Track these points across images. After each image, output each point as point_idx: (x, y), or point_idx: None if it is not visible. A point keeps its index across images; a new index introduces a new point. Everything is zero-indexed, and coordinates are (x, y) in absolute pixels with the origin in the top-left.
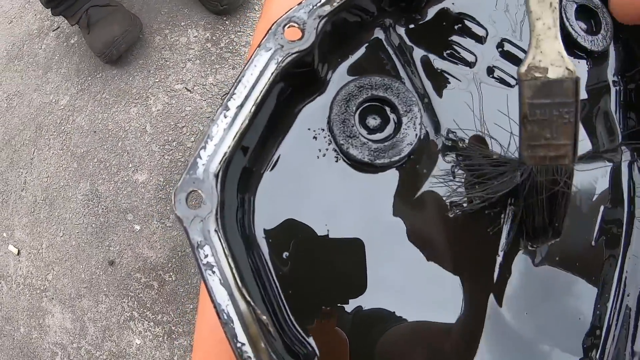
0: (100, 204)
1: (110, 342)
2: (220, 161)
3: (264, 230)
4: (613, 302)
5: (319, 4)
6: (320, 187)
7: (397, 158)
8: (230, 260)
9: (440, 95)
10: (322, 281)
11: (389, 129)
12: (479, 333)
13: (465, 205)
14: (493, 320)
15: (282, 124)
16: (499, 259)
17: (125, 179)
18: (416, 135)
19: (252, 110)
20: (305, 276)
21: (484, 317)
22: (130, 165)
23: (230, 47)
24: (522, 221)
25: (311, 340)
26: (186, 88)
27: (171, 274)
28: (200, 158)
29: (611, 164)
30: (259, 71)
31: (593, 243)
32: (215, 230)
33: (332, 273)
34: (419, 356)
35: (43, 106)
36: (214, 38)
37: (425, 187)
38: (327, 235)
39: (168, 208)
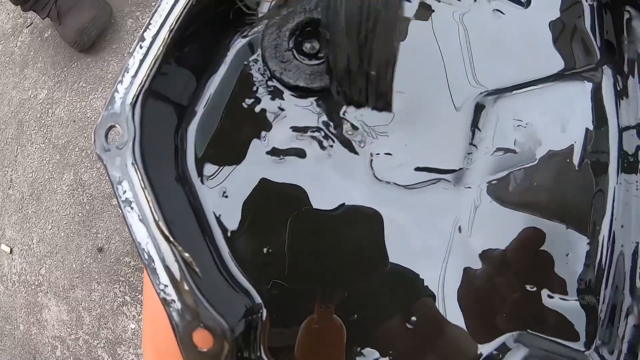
0: (85, 192)
1: (106, 329)
2: (137, 92)
3: (200, 166)
4: (607, 237)
5: None
6: (259, 119)
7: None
8: (148, 193)
9: None
10: (262, 221)
11: None
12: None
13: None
14: (460, 250)
15: (214, 58)
16: (470, 190)
17: None
18: None
19: (168, 38)
20: (245, 215)
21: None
22: None
23: None
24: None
25: (254, 291)
26: None
27: None
28: (118, 92)
29: (591, 83)
30: None
31: (576, 168)
32: (133, 163)
33: (276, 205)
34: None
35: (22, 103)
36: None
37: None
38: (273, 170)
39: None
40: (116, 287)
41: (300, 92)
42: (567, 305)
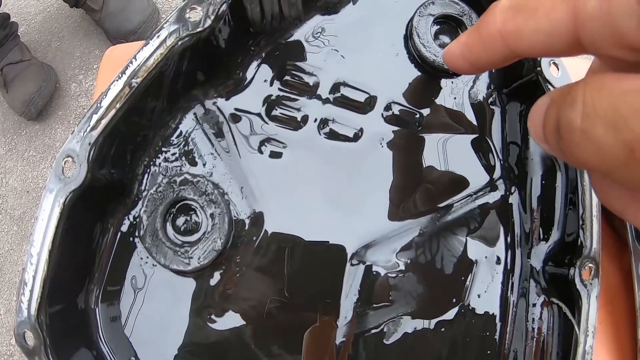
0: None
1: None
2: (36, 307)
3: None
4: None
5: (87, 129)
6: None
7: (207, 261)
8: None
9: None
10: None
11: (205, 225)
12: None
13: None
14: None
15: (96, 253)
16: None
17: None
18: (227, 227)
19: (49, 261)
20: None
21: None
22: None
23: None
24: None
25: None
26: None
27: None
28: (23, 302)
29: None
30: (47, 215)
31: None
32: None
33: None
34: None
35: None
36: None
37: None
38: None
39: None
40: None
41: (184, 274)
42: None
